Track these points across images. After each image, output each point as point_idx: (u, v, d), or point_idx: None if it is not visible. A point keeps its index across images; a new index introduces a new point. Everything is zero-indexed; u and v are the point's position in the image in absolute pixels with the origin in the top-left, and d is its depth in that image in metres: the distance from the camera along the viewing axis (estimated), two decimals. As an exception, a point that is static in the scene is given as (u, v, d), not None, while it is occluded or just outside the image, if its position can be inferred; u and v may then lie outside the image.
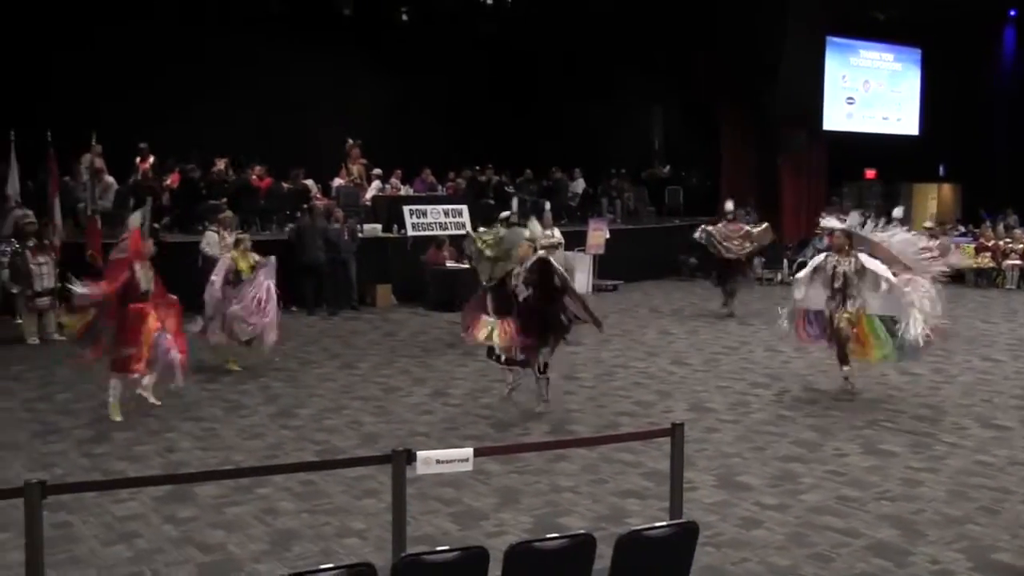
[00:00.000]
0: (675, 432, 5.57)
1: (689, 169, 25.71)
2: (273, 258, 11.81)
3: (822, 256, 10.58)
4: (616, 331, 14.80)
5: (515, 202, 15.55)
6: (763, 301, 17.83)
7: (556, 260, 15.19)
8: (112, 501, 7.00)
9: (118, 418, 9.30)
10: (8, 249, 13.30)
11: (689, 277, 21.84)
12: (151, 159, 18.15)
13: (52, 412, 9.68)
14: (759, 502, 7.19)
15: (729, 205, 17.11)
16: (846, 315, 10.16)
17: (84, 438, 8.77)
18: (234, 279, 11.49)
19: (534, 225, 10.97)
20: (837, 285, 10.22)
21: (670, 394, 10.68)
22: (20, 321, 13.49)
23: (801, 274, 10.76)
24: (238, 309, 11.26)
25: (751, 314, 16.52)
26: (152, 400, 9.74)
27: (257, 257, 11.72)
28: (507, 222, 13.39)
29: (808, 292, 10.51)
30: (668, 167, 25.81)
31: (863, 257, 10.17)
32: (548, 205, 20.82)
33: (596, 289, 19.37)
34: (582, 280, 18.20)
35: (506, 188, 21.88)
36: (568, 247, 17.18)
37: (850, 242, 10.26)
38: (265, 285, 11.42)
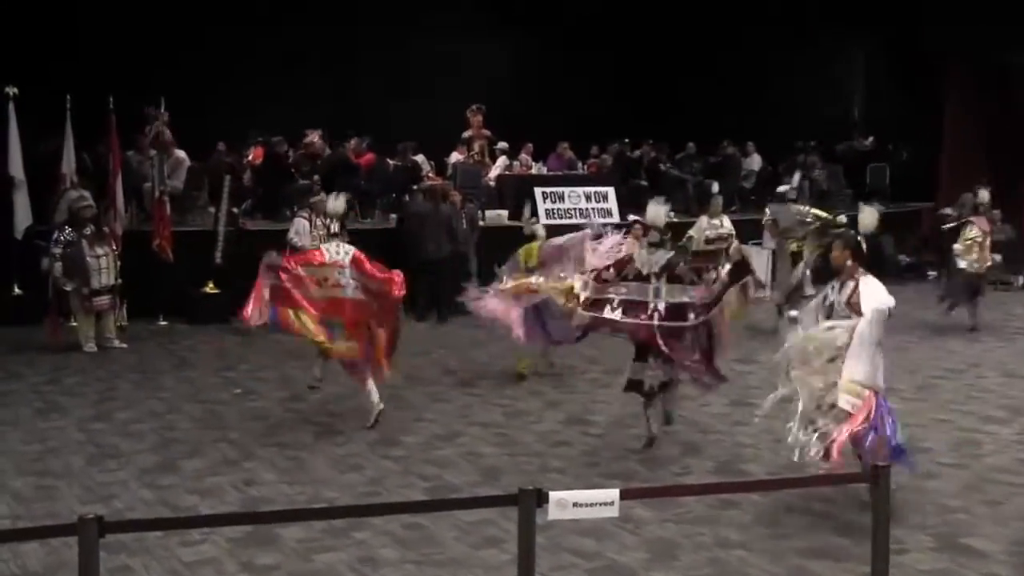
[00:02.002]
0: (879, 477, 5.43)
1: (898, 141, 25.02)
2: None
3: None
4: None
5: (796, 176, 15.95)
6: (1000, 310, 17.27)
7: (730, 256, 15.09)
8: (180, 543, 7.22)
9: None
10: (61, 238, 13.74)
11: (899, 278, 21.25)
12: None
13: (111, 434, 10.06)
14: (993, 573, 6.94)
15: (984, 194, 16.39)
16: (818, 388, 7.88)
17: (148, 466, 9.08)
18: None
19: (656, 208, 10.67)
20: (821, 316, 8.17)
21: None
22: (75, 324, 14.02)
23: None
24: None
25: (983, 327, 15.98)
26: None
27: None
28: (783, 198, 13.90)
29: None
30: (871, 139, 25.19)
31: (868, 283, 8.01)
32: (716, 187, 20.62)
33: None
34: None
35: (662, 166, 21.75)
36: (741, 240, 16.93)
37: (854, 256, 8.10)
38: None
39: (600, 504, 5.06)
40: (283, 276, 9.98)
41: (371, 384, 10.34)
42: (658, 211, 9.93)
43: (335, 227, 10.88)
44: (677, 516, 7.78)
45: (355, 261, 10.21)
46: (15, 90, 14.65)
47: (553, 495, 5.00)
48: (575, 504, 5.02)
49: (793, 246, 15.50)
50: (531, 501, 4.94)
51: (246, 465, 9.12)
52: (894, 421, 7.74)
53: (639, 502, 7.65)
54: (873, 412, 7.57)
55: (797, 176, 16.19)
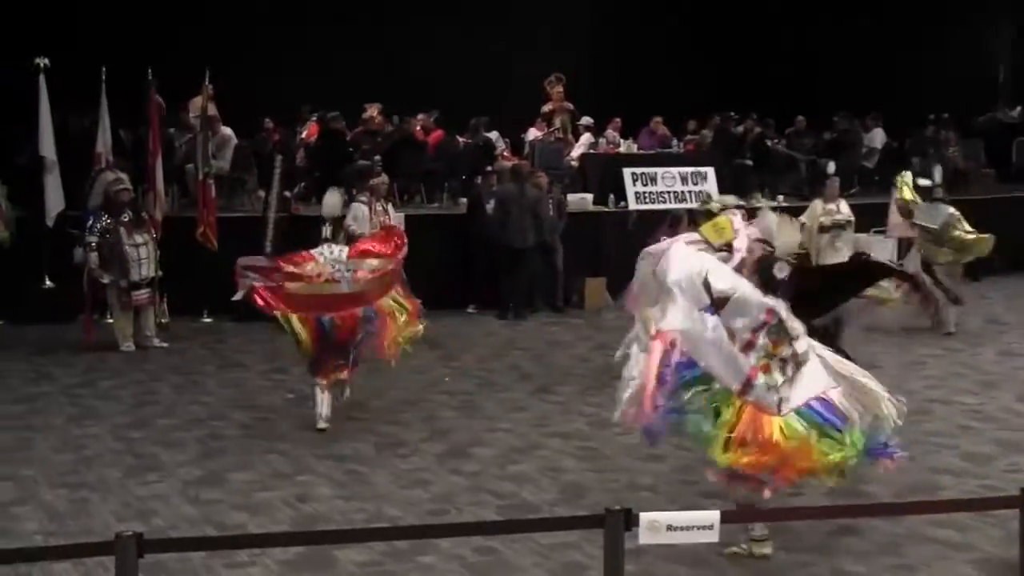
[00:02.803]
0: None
1: (1053, 111, 24.55)
2: None
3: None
4: (934, 349, 14.35)
5: (938, 171, 15.87)
6: None
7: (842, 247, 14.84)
8: (225, 564, 7.32)
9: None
10: (97, 225, 13.90)
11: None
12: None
13: (150, 443, 10.23)
14: None
15: None
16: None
17: (191, 478, 9.22)
18: None
19: (770, 218, 10.52)
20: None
21: (1019, 445, 10.24)
22: (111, 320, 14.25)
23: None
24: None
25: None
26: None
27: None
28: (930, 195, 14.97)
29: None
30: (1019, 109, 24.75)
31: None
32: (832, 167, 20.40)
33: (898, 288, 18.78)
34: (882, 277, 17.68)
35: (770, 142, 21.56)
36: (861, 227, 16.74)
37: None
38: None
39: (698, 527, 5.05)
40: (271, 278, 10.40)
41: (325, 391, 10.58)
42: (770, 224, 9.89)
43: (327, 231, 10.89)
44: (786, 543, 7.70)
45: (354, 254, 10.49)
46: (45, 61, 14.81)
47: (644, 516, 4.99)
48: (669, 527, 5.01)
49: (948, 255, 15.36)
50: (619, 523, 4.94)
51: (299, 479, 9.21)
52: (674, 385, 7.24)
53: (742, 526, 7.61)
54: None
55: (939, 170, 15.90)
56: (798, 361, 7.20)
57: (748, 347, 7.18)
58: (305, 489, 8.96)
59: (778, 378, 7.17)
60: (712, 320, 7.17)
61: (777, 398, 7.11)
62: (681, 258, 7.48)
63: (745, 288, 7.34)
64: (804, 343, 7.27)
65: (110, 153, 15.25)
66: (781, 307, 7.28)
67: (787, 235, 8.03)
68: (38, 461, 9.65)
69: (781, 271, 7.66)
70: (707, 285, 7.26)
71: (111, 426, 10.75)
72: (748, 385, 7.10)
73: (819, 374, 7.28)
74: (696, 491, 8.83)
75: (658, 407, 7.10)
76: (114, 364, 13.37)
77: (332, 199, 11.22)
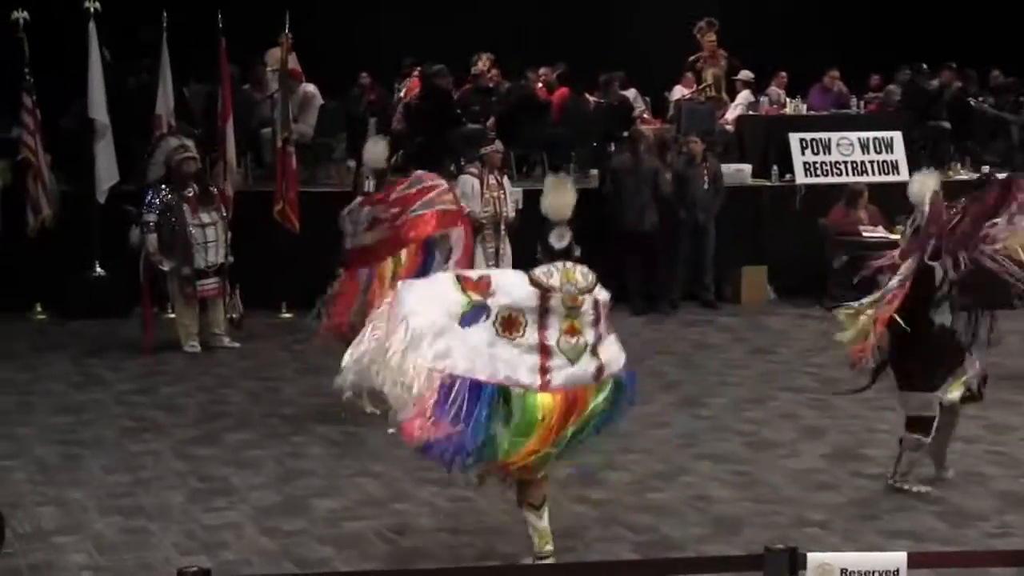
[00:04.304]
0: None
1: None
2: None
3: None
4: None
5: None
6: None
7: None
8: (309, 608, 7.42)
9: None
10: (156, 201, 13.94)
11: None
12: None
13: (219, 461, 10.37)
14: None
15: None
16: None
17: (266, 504, 9.33)
18: None
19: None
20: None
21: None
22: (173, 315, 14.39)
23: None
24: None
25: None
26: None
27: None
28: None
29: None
30: None
31: None
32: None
33: None
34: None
35: (972, 100, 21.24)
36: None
37: None
38: None
39: (880, 572, 5.00)
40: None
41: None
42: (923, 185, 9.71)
43: (370, 186, 11.04)
44: (991, 593, 7.62)
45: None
46: (97, 5, 14.97)
47: (813, 557, 4.96)
48: (844, 571, 4.97)
49: None
50: (782, 565, 4.91)
51: (395, 506, 9.29)
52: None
53: (936, 572, 7.50)
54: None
55: None
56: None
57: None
58: (402, 519, 9.04)
59: (589, 336, 7.72)
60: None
61: (595, 365, 7.72)
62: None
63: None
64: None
65: (172, 116, 15.43)
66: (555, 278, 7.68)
67: (558, 198, 8.41)
68: (87, 483, 9.81)
69: (560, 239, 8.03)
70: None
71: (173, 442, 10.91)
72: (545, 372, 7.59)
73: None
74: (877, 528, 8.77)
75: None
76: (176, 367, 13.57)
77: (375, 147, 11.31)
